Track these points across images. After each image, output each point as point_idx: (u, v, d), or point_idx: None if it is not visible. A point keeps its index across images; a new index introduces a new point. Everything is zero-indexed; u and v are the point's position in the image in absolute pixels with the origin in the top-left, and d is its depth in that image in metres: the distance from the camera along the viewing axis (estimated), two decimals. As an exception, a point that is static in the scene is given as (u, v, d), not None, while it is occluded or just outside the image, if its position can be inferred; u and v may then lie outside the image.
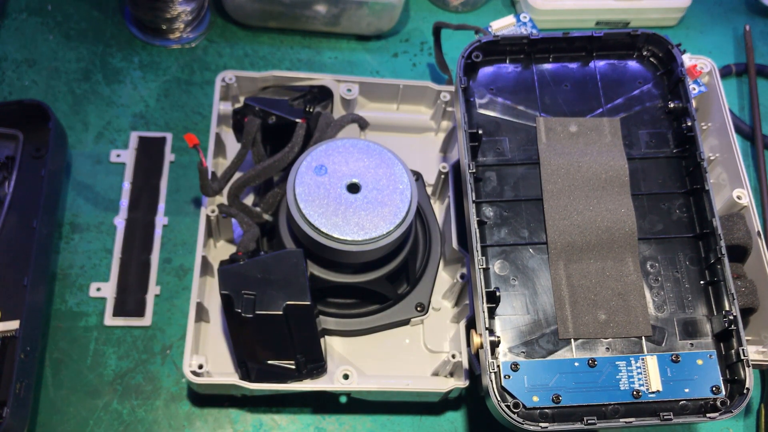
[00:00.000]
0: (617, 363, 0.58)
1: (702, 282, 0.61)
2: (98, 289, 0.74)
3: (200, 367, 0.65)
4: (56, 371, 0.70)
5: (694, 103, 0.67)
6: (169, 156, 0.81)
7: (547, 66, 0.69)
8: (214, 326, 0.71)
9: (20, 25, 0.89)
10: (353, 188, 0.64)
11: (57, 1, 0.91)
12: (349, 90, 0.79)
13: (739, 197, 0.71)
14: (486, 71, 0.69)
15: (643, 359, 0.58)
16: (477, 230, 0.61)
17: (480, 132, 0.64)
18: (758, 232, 0.68)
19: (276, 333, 0.63)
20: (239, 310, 0.61)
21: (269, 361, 0.64)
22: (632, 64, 0.69)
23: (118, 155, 0.81)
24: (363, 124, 0.79)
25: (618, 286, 0.60)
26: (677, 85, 0.67)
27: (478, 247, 0.60)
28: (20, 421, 0.64)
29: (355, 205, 0.63)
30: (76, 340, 0.71)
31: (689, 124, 0.64)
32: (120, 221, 0.77)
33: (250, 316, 0.61)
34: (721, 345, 0.60)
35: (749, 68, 0.93)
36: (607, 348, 0.59)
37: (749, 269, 0.67)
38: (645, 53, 0.69)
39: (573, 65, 0.69)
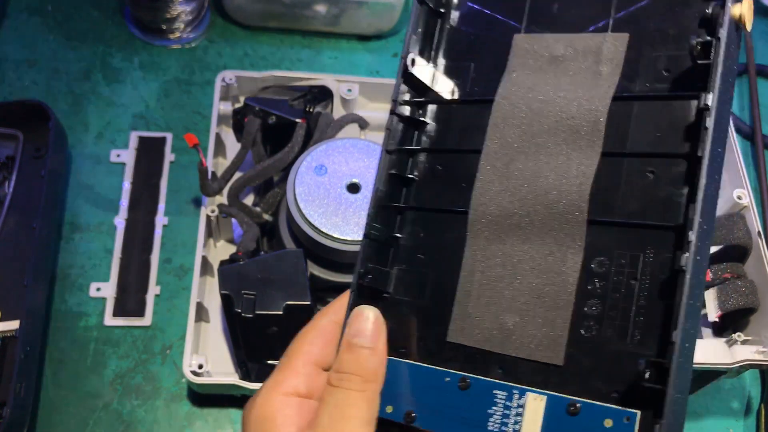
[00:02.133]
0: (495, 392, 0.40)
1: (665, 303, 0.38)
2: (98, 289, 0.74)
3: (200, 367, 0.65)
4: (56, 371, 0.70)
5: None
6: (169, 156, 0.81)
7: None
8: (214, 326, 0.71)
9: (20, 25, 0.89)
10: (353, 188, 0.64)
11: (57, 1, 0.91)
12: (349, 90, 0.79)
13: (739, 197, 0.71)
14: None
15: (525, 398, 0.39)
16: (383, 188, 0.47)
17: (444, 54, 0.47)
18: (758, 232, 0.68)
19: (276, 333, 0.63)
20: (239, 310, 0.61)
21: (269, 361, 0.64)
22: None
23: (118, 155, 0.81)
24: (363, 124, 0.79)
25: (541, 284, 0.41)
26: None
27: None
28: (20, 421, 0.64)
29: (355, 205, 0.63)
30: (76, 340, 0.71)
31: (712, 39, 0.39)
32: (120, 221, 0.77)
33: (250, 316, 0.61)
34: (654, 406, 0.35)
35: (749, 68, 0.93)
36: (500, 368, 0.40)
37: (749, 269, 0.67)
38: None
39: None
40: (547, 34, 0.46)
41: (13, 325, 0.67)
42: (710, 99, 0.38)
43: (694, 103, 0.40)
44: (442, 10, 0.48)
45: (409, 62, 0.46)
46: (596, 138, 0.42)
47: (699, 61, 0.40)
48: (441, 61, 0.49)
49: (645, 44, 0.44)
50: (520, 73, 0.46)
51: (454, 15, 0.49)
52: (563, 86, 0.45)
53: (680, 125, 0.41)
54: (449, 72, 0.48)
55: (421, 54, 0.48)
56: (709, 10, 0.41)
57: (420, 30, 0.47)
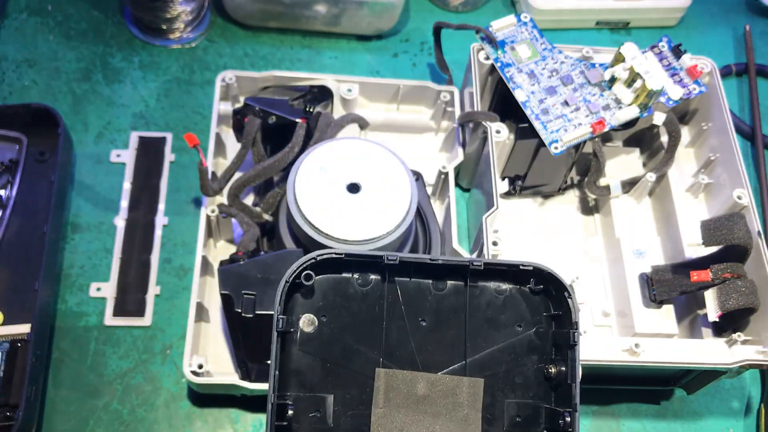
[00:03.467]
0: None
1: None
2: (98, 289, 0.74)
3: (200, 367, 0.65)
4: (56, 371, 0.70)
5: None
6: (169, 156, 0.81)
7: (405, 290, 0.55)
8: (214, 326, 0.71)
9: (20, 25, 0.89)
10: (353, 188, 0.64)
11: (57, 1, 0.91)
12: (349, 90, 0.79)
13: (739, 197, 0.71)
14: (322, 289, 0.54)
15: None
16: None
17: (289, 404, 0.51)
18: (758, 232, 0.68)
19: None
20: (239, 310, 0.61)
21: (269, 361, 0.64)
22: (515, 303, 0.55)
23: (119, 155, 0.81)
24: (363, 124, 0.79)
25: None
26: (565, 346, 0.53)
27: None
28: (30, 423, 0.64)
29: (355, 205, 0.63)
30: (76, 340, 0.71)
31: (567, 419, 0.51)
32: (120, 221, 0.77)
33: (250, 316, 0.61)
34: None
35: (749, 68, 0.93)
36: None
37: (749, 269, 0.67)
38: (534, 289, 0.55)
39: (437, 294, 0.55)
40: (407, 372, 0.52)
41: (25, 329, 0.67)
42: None
43: None
44: (292, 330, 0.53)
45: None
46: None
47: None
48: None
49: (497, 389, 0.53)
50: (388, 410, 0.52)
51: (302, 338, 0.53)
52: (434, 426, 0.51)
53: None
54: (308, 402, 0.52)
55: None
56: (552, 370, 0.53)
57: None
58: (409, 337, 0.54)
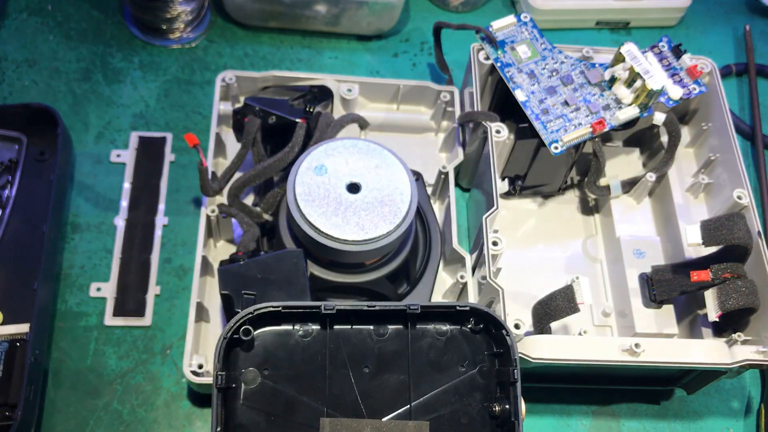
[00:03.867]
0: None
1: None
2: (98, 289, 0.74)
3: (200, 367, 0.65)
4: (56, 371, 0.70)
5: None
6: (169, 156, 0.81)
7: (346, 338, 0.55)
8: (214, 326, 0.71)
9: (20, 25, 0.89)
10: (353, 188, 0.64)
11: (57, 1, 0.91)
12: (349, 90, 0.79)
13: (739, 197, 0.71)
14: (263, 342, 0.54)
15: None
16: None
17: None
18: (758, 232, 0.68)
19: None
20: (239, 310, 0.61)
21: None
22: (457, 344, 0.56)
23: (119, 155, 0.81)
24: (363, 124, 0.79)
25: None
26: (507, 383, 0.53)
27: None
28: (29, 422, 0.64)
29: (355, 205, 0.63)
30: (76, 340, 0.71)
31: None
32: (120, 221, 0.77)
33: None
34: None
35: (749, 68, 0.93)
36: None
37: (749, 269, 0.67)
38: (474, 329, 0.56)
39: (379, 340, 0.55)
40: (352, 420, 0.53)
41: (23, 328, 0.67)
42: None
43: None
44: (234, 385, 0.53)
45: None
46: None
47: None
48: None
49: (444, 431, 0.54)
50: None
51: (246, 392, 0.53)
52: None
53: None
54: None
55: None
56: (497, 408, 0.53)
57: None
58: (353, 385, 0.54)
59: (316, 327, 0.55)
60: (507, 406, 0.53)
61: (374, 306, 0.54)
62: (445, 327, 0.56)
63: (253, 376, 0.54)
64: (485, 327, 0.55)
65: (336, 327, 0.56)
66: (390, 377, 0.55)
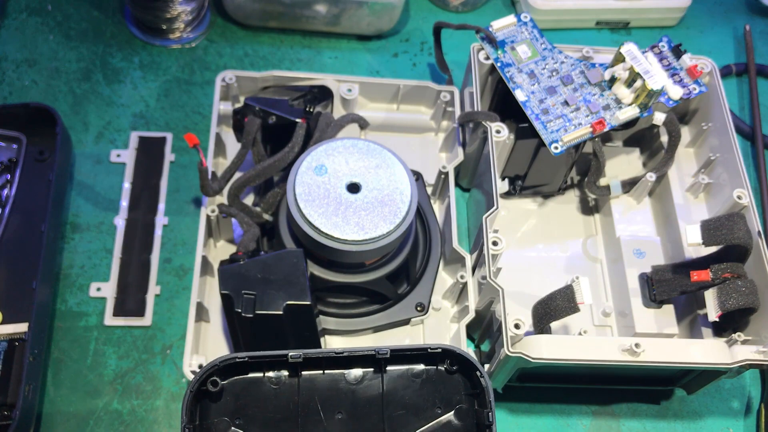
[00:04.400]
0: None
1: None
2: (98, 289, 0.74)
3: (200, 367, 0.65)
4: (56, 371, 0.70)
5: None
6: (169, 156, 0.81)
7: (318, 383, 0.54)
8: (214, 326, 0.71)
9: (20, 25, 0.89)
10: (353, 188, 0.64)
11: (57, 1, 0.91)
12: (349, 90, 0.79)
13: (739, 197, 0.71)
14: (233, 391, 0.54)
15: None
16: None
17: None
18: (758, 232, 0.68)
19: (276, 333, 0.63)
20: (239, 310, 0.61)
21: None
22: (433, 385, 0.55)
23: (119, 155, 0.81)
24: (363, 124, 0.79)
25: None
26: (483, 425, 0.53)
27: None
28: (28, 422, 0.64)
29: (355, 205, 0.63)
30: (76, 340, 0.71)
31: None
32: (120, 221, 0.77)
33: (250, 316, 0.61)
34: None
35: (749, 68, 0.93)
36: None
37: (749, 269, 0.67)
38: (449, 369, 0.55)
39: (352, 385, 0.55)
40: None
41: (22, 327, 0.67)
42: None
43: None
44: None
45: None
46: None
47: None
48: None
49: None
50: None
51: None
52: None
53: None
54: None
55: None
56: None
57: None
58: None
59: (286, 374, 0.55)
60: None
61: (342, 352, 0.53)
62: (420, 368, 0.55)
63: (224, 426, 0.54)
64: (460, 367, 0.54)
65: (307, 373, 0.55)
66: (364, 423, 0.54)
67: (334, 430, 0.54)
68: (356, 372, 0.55)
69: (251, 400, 0.54)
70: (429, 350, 0.53)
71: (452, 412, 0.55)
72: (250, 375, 0.55)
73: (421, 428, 0.54)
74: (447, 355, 0.54)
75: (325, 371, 0.55)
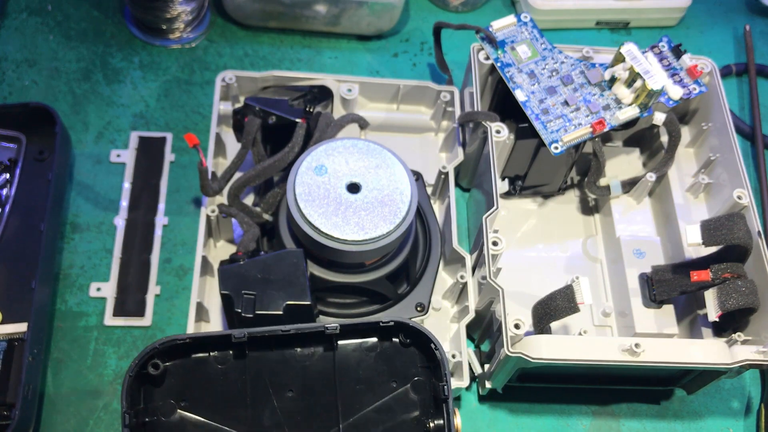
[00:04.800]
0: None
1: None
2: (98, 289, 0.74)
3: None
4: (56, 371, 0.70)
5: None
6: (169, 156, 0.81)
7: (267, 362, 0.53)
8: (214, 326, 0.71)
9: (20, 25, 0.89)
10: (353, 188, 0.64)
11: (57, 1, 0.91)
12: (349, 90, 0.79)
13: (739, 197, 0.71)
14: (178, 374, 0.53)
15: None
16: None
17: None
18: (758, 232, 0.68)
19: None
20: (239, 310, 0.61)
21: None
22: (388, 359, 0.53)
23: (118, 155, 0.81)
24: (363, 124, 0.79)
25: None
26: (440, 399, 0.51)
27: None
28: (27, 422, 0.64)
29: (355, 205, 0.63)
30: (76, 340, 0.71)
31: None
32: (120, 221, 0.77)
33: (250, 316, 0.61)
34: None
35: (749, 68, 0.93)
36: None
37: (749, 269, 0.67)
38: (404, 342, 0.54)
39: (303, 362, 0.53)
40: None
41: (21, 327, 0.67)
42: None
43: None
44: (147, 420, 0.51)
45: None
46: None
47: None
48: None
49: None
50: None
51: (164, 427, 0.52)
52: None
53: None
54: None
55: None
56: (431, 425, 0.51)
57: None
58: (277, 411, 0.52)
59: (233, 353, 0.53)
60: (441, 422, 0.51)
61: (288, 330, 0.52)
62: (373, 341, 0.54)
63: (169, 408, 0.53)
64: (415, 341, 0.53)
65: (255, 352, 0.53)
66: (317, 399, 0.53)
67: (285, 408, 0.52)
68: (307, 349, 0.54)
69: (197, 381, 0.53)
70: (381, 324, 0.52)
71: (408, 386, 0.53)
72: (195, 356, 0.53)
73: (377, 403, 0.53)
74: (401, 328, 0.53)
75: (276, 349, 0.53)
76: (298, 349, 0.54)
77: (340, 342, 0.54)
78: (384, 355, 0.54)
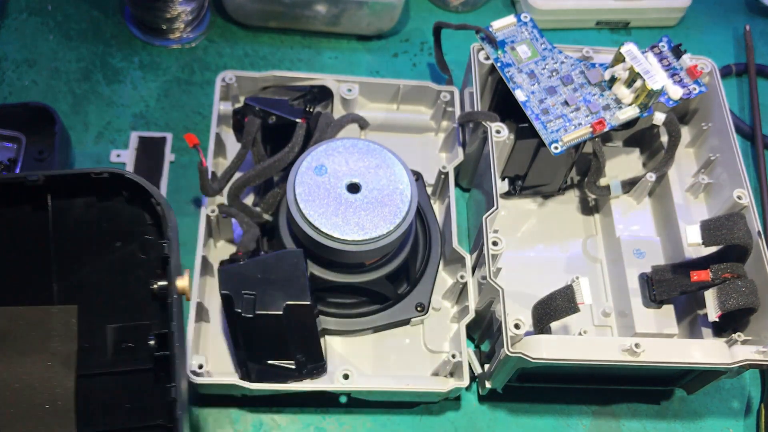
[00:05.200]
0: None
1: None
2: (98, 289, 0.74)
3: (200, 367, 0.65)
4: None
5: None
6: (169, 156, 0.81)
7: None
8: (214, 326, 0.71)
9: (20, 25, 0.89)
10: (353, 188, 0.64)
11: (57, 1, 0.91)
12: (349, 90, 0.79)
13: (739, 197, 0.71)
14: None
15: None
16: None
17: None
18: (758, 232, 0.68)
19: (276, 333, 0.63)
20: (239, 310, 0.61)
21: (269, 361, 0.64)
22: (111, 217, 0.48)
23: (118, 155, 0.81)
24: (363, 124, 0.79)
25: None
26: (163, 259, 0.47)
27: None
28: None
29: (355, 205, 0.63)
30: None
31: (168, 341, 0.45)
32: (120, 221, 0.77)
33: (250, 316, 0.61)
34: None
35: (749, 68, 0.93)
36: None
37: (749, 269, 0.67)
38: (128, 198, 0.49)
39: (7, 219, 0.47)
40: None
41: None
42: None
43: None
44: None
45: None
46: (68, 419, 0.43)
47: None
48: None
49: (98, 315, 0.46)
50: None
51: None
52: (20, 367, 0.44)
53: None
54: None
55: None
56: (155, 286, 0.46)
57: None
58: None
59: None
60: (165, 282, 0.46)
61: None
62: (92, 199, 0.48)
63: None
64: (138, 197, 0.47)
65: None
66: (29, 259, 0.47)
67: None
68: (16, 207, 0.47)
69: None
70: (93, 175, 0.46)
71: (135, 245, 0.48)
72: None
73: (98, 264, 0.48)
74: (119, 182, 0.46)
75: None
76: (6, 209, 0.47)
77: (55, 201, 0.47)
78: (108, 212, 0.48)
